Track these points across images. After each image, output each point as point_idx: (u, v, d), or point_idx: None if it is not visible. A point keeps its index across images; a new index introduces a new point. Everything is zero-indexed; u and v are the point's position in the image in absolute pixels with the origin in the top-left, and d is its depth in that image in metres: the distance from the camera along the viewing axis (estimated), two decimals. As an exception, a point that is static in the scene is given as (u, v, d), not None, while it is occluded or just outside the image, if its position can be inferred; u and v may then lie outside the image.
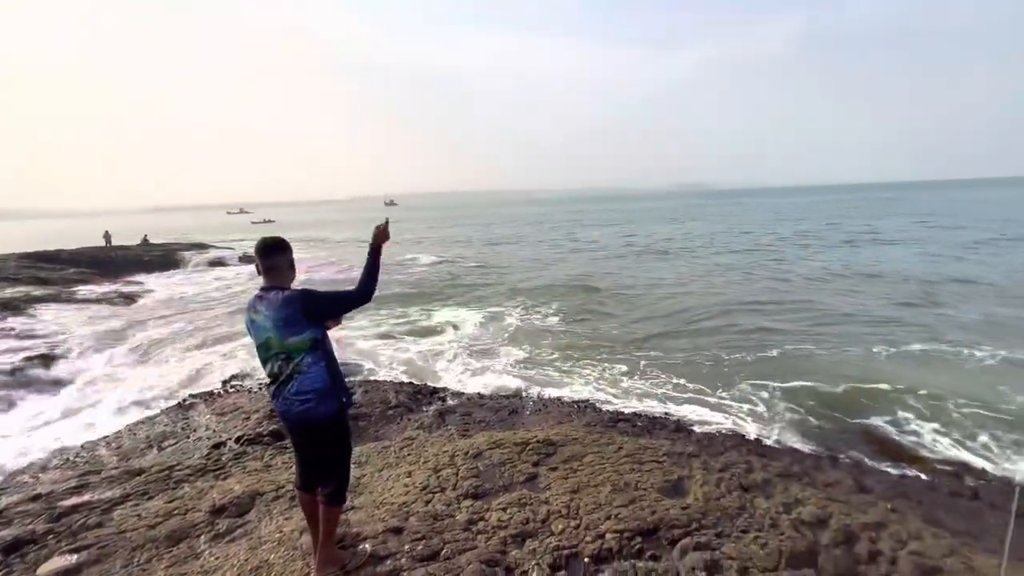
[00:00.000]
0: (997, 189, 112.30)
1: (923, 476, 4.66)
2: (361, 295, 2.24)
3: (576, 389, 7.27)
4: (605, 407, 6.46)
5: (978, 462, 4.98)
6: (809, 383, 7.06)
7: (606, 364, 8.35)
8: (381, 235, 2.35)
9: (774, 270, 17.54)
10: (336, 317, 2.27)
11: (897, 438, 5.52)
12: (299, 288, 2.20)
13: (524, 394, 7.03)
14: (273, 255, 2.18)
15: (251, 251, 2.76)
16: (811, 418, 6.07)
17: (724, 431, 5.72)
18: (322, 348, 2.19)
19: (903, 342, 8.74)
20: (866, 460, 5.05)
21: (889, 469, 4.84)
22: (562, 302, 13.48)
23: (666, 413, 6.26)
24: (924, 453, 5.21)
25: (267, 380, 2.24)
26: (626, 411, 6.28)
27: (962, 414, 5.99)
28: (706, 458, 4.05)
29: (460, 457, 3.84)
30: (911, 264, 17.38)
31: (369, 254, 2.31)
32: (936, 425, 5.76)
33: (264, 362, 2.19)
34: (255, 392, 6.88)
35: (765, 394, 6.84)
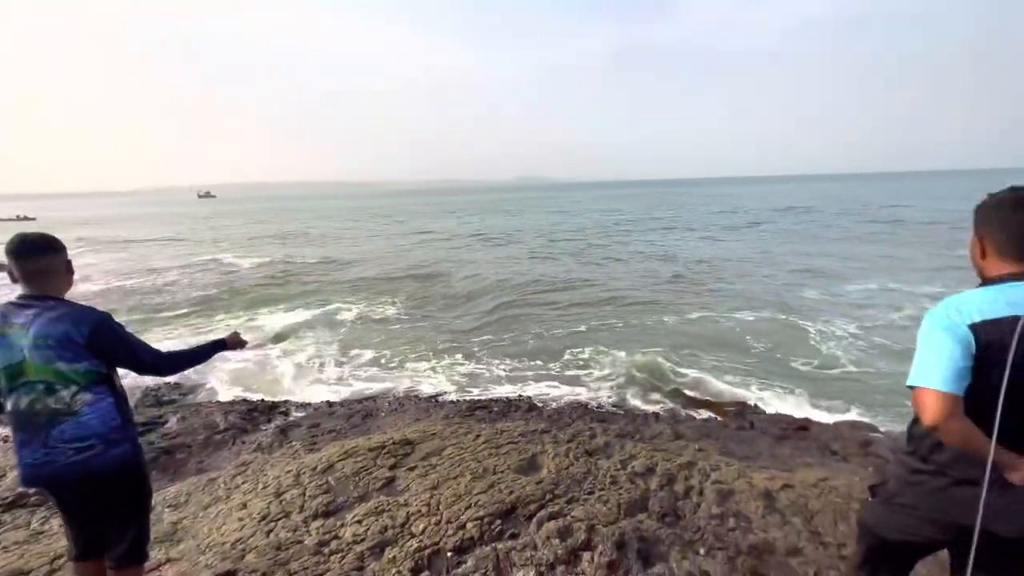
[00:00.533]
0: (789, 184, 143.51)
1: (718, 418, 5.73)
2: (161, 365, 1.82)
3: (432, 383, 7.22)
4: (462, 397, 6.54)
5: (752, 400, 6.33)
6: (627, 352, 8.16)
7: (456, 354, 8.48)
8: (235, 344, 2.14)
9: (586, 254, 19.87)
10: (118, 366, 1.79)
11: (698, 390, 6.71)
12: (99, 310, 1.70)
13: (377, 395, 6.73)
14: (38, 256, 1.66)
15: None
16: (635, 382, 7.02)
17: (569, 404, 6.26)
18: (109, 382, 1.73)
19: (685, 311, 10.66)
20: (679, 411, 6.03)
21: (696, 415, 5.86)
22: (406, 295, 13.31)
23: (519, 395, 6.60)
24: (718, 399, 6.43)
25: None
26: (483, 398, 6.45)
27: (733, 364, 7.57)
28: (556, 432, 4.37)
29: (307, 474, 3.49)
30: (691, 247, 21.28)
31: (207, 345, 1.99)
32: (722, 375, 7.17)
33: (7, 393, 1.64)
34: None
35: (595, 365, 7.71)
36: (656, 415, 5.79)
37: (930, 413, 1.25)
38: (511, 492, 3.09)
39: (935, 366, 1.26)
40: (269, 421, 5.69)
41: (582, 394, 6.64)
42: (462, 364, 7.99)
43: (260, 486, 3.44)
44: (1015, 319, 1.21)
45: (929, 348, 1.29)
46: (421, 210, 60.26)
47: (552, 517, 2.85)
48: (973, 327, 1.24)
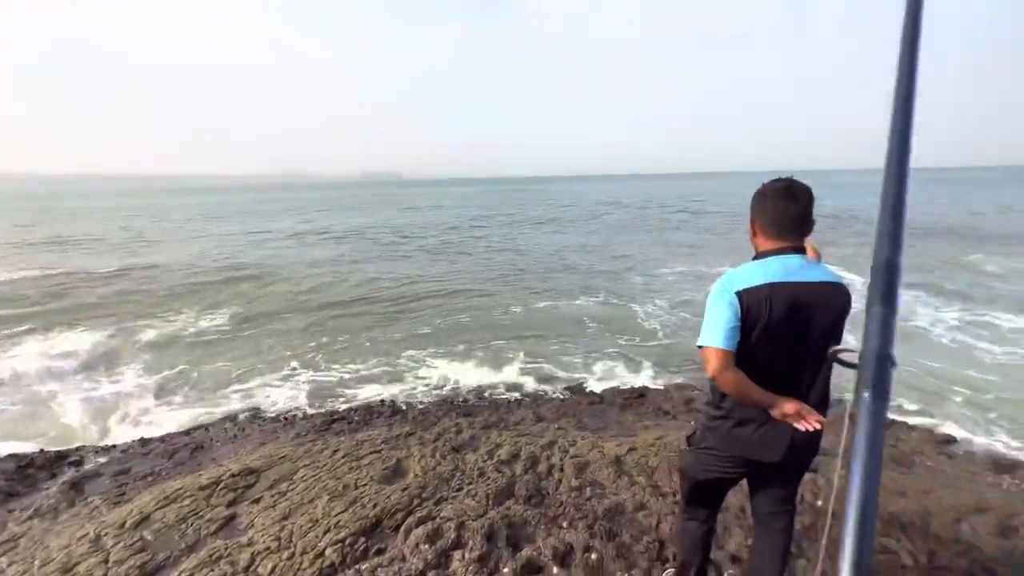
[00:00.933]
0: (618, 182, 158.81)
1: (574, 396, 6.20)
2: None
3: (278, 400, 6.47)
4: (316, 411, 5.98)
5: (600, 375, 7.01)
6: (483, 343, 8.41)
7: (304, 364, 7.75)
8: None
9: (437, 250, 20.06)
10: None
11: (553, 372, 7.18)
12: None
13: (211, 423, 5.79)
14: None
15: None
16: (495, 372, 7.23)
17: (435, 402, 6.17)
18: None
19: (532, 301, 11.42)
20: (540, 394, 6.37)
21: (554, 396, 6.26)
22: (235, 303, 11.75)
23: (381, 400, 6.29)
24: (571, 379, 6.96)
25: None
26: (340, 409, 5.99)
27: (580, 346, 8.31)
28: (421, 433, 4.24)
29: (111, 535, 2.82)
30: (537, 240, 22.86)
31: None
32: (573, 356, 7.80)
33: None
34: None
35: (456, 359, 7.77)
36: (519, 401, 6.03)
37: (710, 367, 1.53)
38: (375, 505, 2.90)
39: (713, 328, 1.53)
40: (53, 477, 4.48)
41: (446, 390, 6.59)
42: (314, 375, 7.32)
43: (37, 566, 2.67)
44: (769, 286, 1.50)
45: (709, 314, 1.56)
46: (258, 208, 53.67)
47: (421, 522, 2.75)
48: (739, 294, 1.51)
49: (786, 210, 1.56)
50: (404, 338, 8.91)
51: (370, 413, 5.67)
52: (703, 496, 1.88)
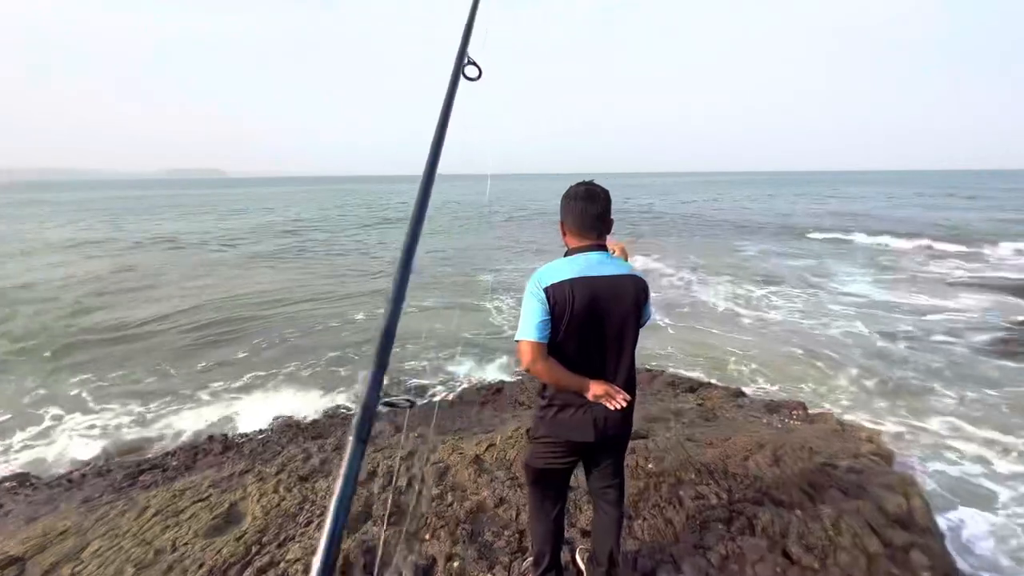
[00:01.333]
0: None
1: (434, 399, 6.12)
2: None
3: (53, 455, 5.12)
4: (113, 461, 4.87)
5: (460, 375, 7.05)
6: (331, 355, 7.87)
7: (86, 401, 6.31)
8: None
9: (260, 256, 18.32)
10: None
11: (412, 378, 7.01)
12: None
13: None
14: None
15: None
16: (342, 385, 6.79)
17: (278, 428, 5.52)
18: None
19: (371, 308, 11.08)
20: (396, 403, 6.13)
21: (415, 400, 6.09)
22: None
23: (209, 436, 5.39)
24: (432, 382, 6.87)
25: None
26: (151, 454, 4.97)
27: (438, 348, 8.30)
28: (260, 467, 3.74)
29: None
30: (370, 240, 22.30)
31: None
32: (432, 359, 7.72)
33: None
34: None
35: (298, 376, 7.11)
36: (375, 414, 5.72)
37: (524, 359, 1.64)
38: (201, 566, 2.46)
39: (525, 323, 1.63)
40: None
41: (290, 413, 5.95)
42: (111, 417, 5.96)
43: None
44: (571, 281, 1.63)
45: (523, 309, 1.66)
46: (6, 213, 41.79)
47: (261, 572, 2.41)
48: (546, 290, 1.62)
49: (585, 211, 1.71)
50: (234, 360, 7.82)
51: (194, 454, 4.82)
52: (547, 485, 1.94)
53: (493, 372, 7.20)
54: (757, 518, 2.51)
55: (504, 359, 7.64)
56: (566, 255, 1.73)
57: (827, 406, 6.04)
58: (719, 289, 11.96)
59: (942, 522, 3.44)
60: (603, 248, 1.73)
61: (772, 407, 5.40)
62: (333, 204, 51.25)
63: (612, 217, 1.78)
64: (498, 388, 6.13)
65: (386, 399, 0.88)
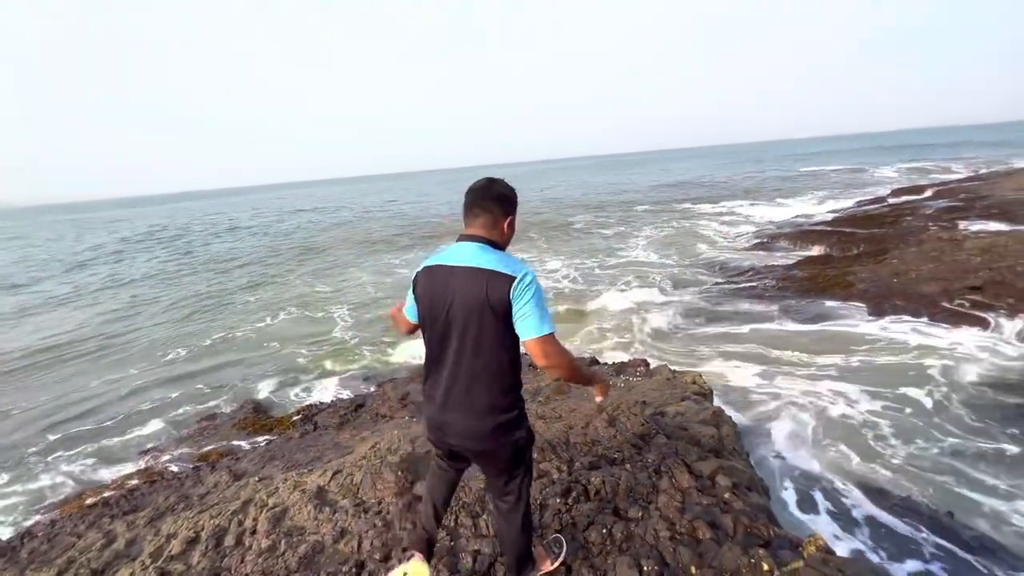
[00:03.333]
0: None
1: (280, 434, 5.49)
2: None
3: None
4: None
5: (310, 400, 6.46)
6: (147, 398, 6.72)
7: None
8: None
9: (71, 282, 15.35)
10: None
11: (253, 413, 6.24)
12: None
13: None
14: None
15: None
16: (171, 434, 5.82)
17: (68, 511, 4.46)
18: None
19: (210, 332, 9.93)
20: (238, 445, 5.40)
21: (258, 442, 5.41)
22: None
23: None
24: (279, 413, 6.18)
25: None
26: None
27: (274, 371, 7.55)
28: (31, 572, 2.96)
29: None
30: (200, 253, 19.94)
31: None
32: (271, 388, 6.97)
33: None
34: None
35: (105, 429, 5.93)
36: (212, 465, 4.96)
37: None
38: None
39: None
40: None
41: (91, 482, 4.88)
42: None
43: None
44: (428, 268, 1.64)
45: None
46: None
47: None
48: (413, 280, 1.71)
49: (465, 203, 1.69)
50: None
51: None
52: (445, 459, 1.94)
53: (349, 386, 6.75)
54: (591, 483, 2.64)
55: (357, 372, 7.22)
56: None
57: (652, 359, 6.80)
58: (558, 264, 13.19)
59: (747, 440, 4.06)
60: (478, 239, 1.63)
61: (620, 368, 5.87)
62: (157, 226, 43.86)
63: (493, 211, 1.65)
64: (358, 404, 5.74)
65: None
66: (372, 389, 6.47)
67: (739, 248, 14.19)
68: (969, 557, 3.24)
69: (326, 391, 6.81)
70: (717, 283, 10.55)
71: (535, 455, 3.05)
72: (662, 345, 7.64)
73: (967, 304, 7.31)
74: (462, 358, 1.58)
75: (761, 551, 1.91)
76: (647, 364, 6.06)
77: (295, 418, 5.82)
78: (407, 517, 2.68)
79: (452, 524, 2.56)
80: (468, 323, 1.54)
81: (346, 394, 6.57)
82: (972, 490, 4.04)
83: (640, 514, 2.37)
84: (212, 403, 6.65)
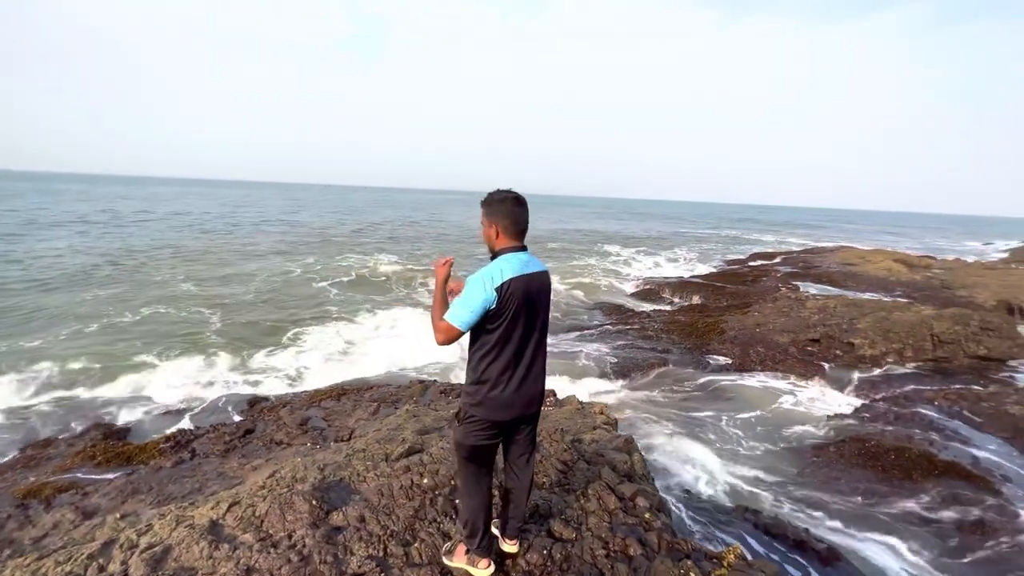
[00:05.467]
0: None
1: (146, 464, 4.69)
2: None
3: None
4: None
5: (181, 424, 5.63)
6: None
7: None
8: None
9: None
10: None
11: (102, 440, 5.28)
12: None
13: None
14: None
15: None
16: None
17: None
18: None
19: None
20: (84, 478, 4.48)
21: (108, 476, 4.53)
22: None
23: None
24: (140, 440, 5.28)
25: None
26: None
27: (125, 387, 6.55)
28: None
29: None
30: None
31: None
32: (129, 410, 5.99)
33: None
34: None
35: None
36: (46, 501, 4.03)
37: (445, 337, 1.91)
38: None
39: (463, 311, 1.88)
40: None
41: None
42: None
43: None
44: (518, 278, 1.90)
45: (466, 298, 1.88)
46: None
47: None
48: (498, 289, 1.87)
49: (520, 219, 1.98)
50: None
51: None
52: (476, 459, 2.12)
53: (236, 405, 6.02)
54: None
55: (243, 385, 6.50)
56: (499, 254, 1.96)
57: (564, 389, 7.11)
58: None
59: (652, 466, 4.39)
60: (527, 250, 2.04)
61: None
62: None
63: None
64: (247, 429, 5.12)
65: None
66: (260, 413, 5.83)
67: (628, 294, 15.52)
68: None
69: (205, 414, 5.99)
70: (607, 323, 11.38)
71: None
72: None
73: (808, 352, 8.79)
74: (541, 342, 2.04)
75: (688, 562, 2.09)
76: (555, 394, 6.30)
77: (163, 445, 4.99)
78: (327, 549, 2.45)
79: (381, 554, 2.39)
80: (546, 314, 2.06)
81: (227, 418, 5.84)
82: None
83: (574, 535, 2.44)
84: (49, 427, 5.47)
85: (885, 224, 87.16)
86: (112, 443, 5.15)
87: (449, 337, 1.89)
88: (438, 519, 2.64)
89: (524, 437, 2.19)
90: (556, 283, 15.94)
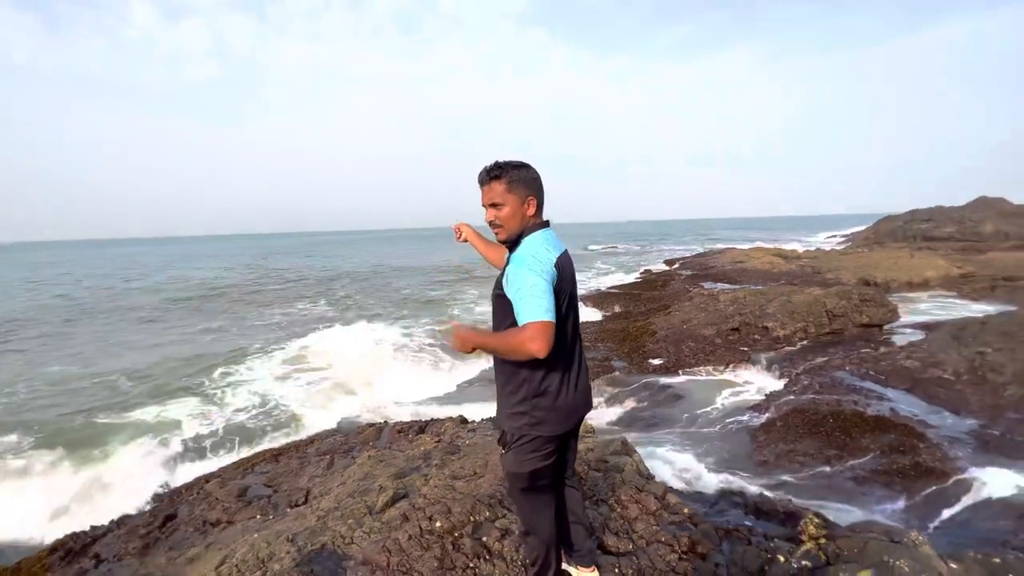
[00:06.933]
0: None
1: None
2: None
3: None
4: None
5: (79, 527, 4.44)
6: None
7: None
8: None
9: None
10: None
11: None
12: None
13: None
14: None
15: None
16: None
17: None
18: None
19: None
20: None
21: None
22: None
23: None
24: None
25: None
26: None
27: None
28: None
29: None
30: None
31: None
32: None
33: None
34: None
35: None
36: None
37: (541, 343, 1.48)
38: None
39: (540, 301, 1.52)
40: None
41: None
42: None
43: None
44: (563, 255, 1.70)
45: (529, 287, 1.53)
46: None
47: None
48: (556, 265, 1.62)
49: (541, 188, 1.75)
50: None
51: None
52: (535, 485, 1.81)
53: (140, 492, 4.92)
54: (566, 527, 2.36)
55: (154, 463, 5.36)
56: (533, 230, 1.71)
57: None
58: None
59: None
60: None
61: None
62: None
63: None
64: (168, 515, 4.13)
65: None
66: (177, 495, 4.80)
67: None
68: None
69: (91, 509, 4.79)
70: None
71: (486, 513, 2.62)
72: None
73: (731, 341, 9.51)
74: (578, 332, 1.79)
75: (773, 543, 1.95)
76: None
77: (49, 559, 3.84)
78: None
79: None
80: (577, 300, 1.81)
81: (127, 506, 4.72)
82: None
83: (631, 546, 2.20)
84: None
85: (735, 229, 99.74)
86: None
87: (548, 336, 1.47)
88: (471, 564, 2.24)
89: (575, 443, 1.98)
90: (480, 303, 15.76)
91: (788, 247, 27.69)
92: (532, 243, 1.67)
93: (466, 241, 2.12)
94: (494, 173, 1.67)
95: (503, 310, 1.64)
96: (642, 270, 24.12)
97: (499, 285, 1.69)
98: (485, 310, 15.43)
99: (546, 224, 1.75)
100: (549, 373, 1.68)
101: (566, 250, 1.73)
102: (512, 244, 1.71)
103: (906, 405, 6.45)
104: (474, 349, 1.59)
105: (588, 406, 1.84)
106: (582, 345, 1.83)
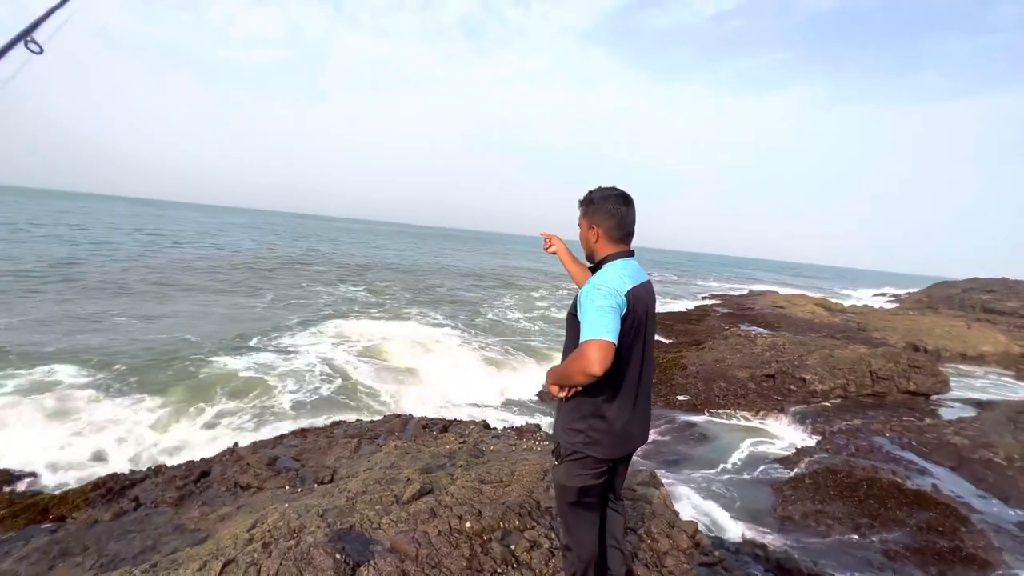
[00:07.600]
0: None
1: (74, 519, 3.79)
2: None
3: None
4: None
5: (121, 468, 4.69)
6: None
7: None
8: None
9: None
10: None
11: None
12: None
13: None
14: None
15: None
16: None
17: None
18: None
19: None
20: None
21: (13, 548, 3.60)
22: None
23: None
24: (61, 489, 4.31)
25: None
26: None
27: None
28: None
29: None
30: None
31: None
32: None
33: None
34: None
35: None
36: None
37: (600, 363, 1.53)
38: None
39: (606, 324, 1.56)
40: None
41: None
42: None
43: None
44: (637, 287, 1.70)
45: (598, 313, 1.57)
46: None
47: None
48: (627, 295, 1.64)
49: (625, 218, 1.78)
50: None
51: None
52: (582, 500, 1.85)
53: (188, 448, 5.16)
54: (595, 549, 2.36)
55: (179, 419, 5.61)
56: (606, 261, 1.76)
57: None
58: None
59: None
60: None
61: (519, 433, 5.69)
62: None
63: None
64: (203, 472, 4.33)
65: None
66: (212, 449, 5.02)
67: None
68: None
69: (136, 454, 5.05)
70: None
71: (516, 522, 2.64)
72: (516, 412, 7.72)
73: (765, 387, 9.21)
74: (649, 365, 1.80)
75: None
76: (540, 428, 6.01)
77: (93, 494, 4.08)
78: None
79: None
80: (653, 332, 1.83)
81: (166, 458, 4.96)
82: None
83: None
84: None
85: (771, 271, 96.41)
86: (16, 494, 4.15)
87: (605, 354, 1.51)
88: (499, 569, 2.26)
89: (624, 469, 1.98)
90: (515, 310, 15.82)
91: (833, 300, 26.63)
92: (609, 270, 1.72)
93: (555, 253, 2.16)
94: (581, 199, 1.83)
95: (575, 331, 1.68)
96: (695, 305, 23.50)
97: (574, 306, 1.73)
98: (518, 316, 15.47)
99: (630, 253, 1.79)
100: (610, 398, 1.71)
101: (647, 282, 1.77)
102: (594, 268, 1.78)
103: (950, 484, 6.10)
104: (557, 384, 1.71)
105: (644, 438, 1.85)
106: (650, 379, 1.83)
